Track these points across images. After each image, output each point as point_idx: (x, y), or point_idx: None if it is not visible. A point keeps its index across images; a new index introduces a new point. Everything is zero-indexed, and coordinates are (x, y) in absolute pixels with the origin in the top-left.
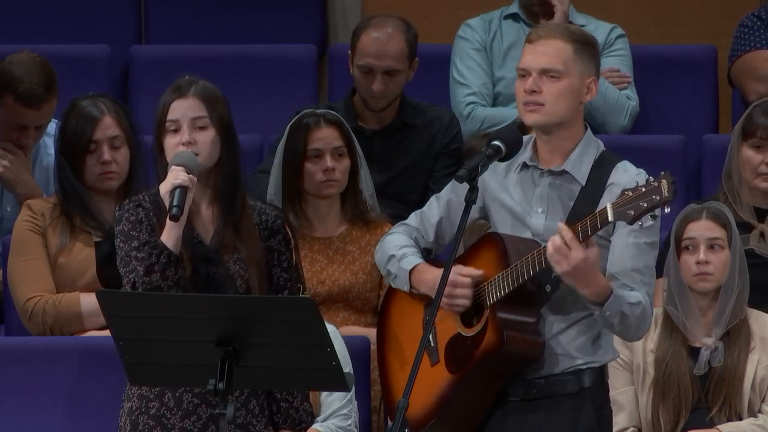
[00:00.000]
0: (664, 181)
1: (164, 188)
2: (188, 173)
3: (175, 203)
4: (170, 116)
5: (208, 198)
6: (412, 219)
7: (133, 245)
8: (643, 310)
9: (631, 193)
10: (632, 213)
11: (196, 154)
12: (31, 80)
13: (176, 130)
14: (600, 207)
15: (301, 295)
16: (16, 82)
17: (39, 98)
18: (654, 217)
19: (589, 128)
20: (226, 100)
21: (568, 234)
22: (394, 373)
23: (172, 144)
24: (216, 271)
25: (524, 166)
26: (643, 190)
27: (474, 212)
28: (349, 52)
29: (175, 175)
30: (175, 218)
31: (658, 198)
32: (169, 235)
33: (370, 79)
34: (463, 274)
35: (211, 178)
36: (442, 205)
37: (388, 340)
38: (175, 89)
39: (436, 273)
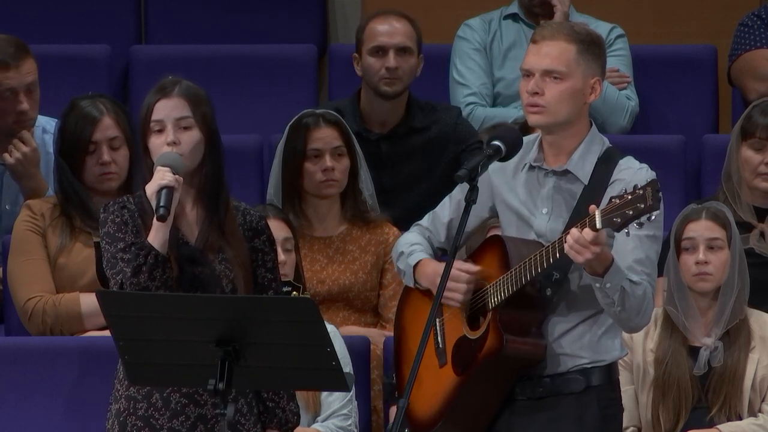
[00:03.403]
0: (648, 189)
1: (150, 189)
2: (174, 174)
3: (162, 204)
4: (155, 116)
5: (192, 198)
6: (425, 220)
7: (119, 247)
8: (645, 292)
9: (618, 201)
10: (618, 221)
11: (181, 155)
12: None
13: (161, 131)
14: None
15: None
16: None
17: (12, 56)
18: (640, 225)
19: (594, 125)
20: (210, 100)
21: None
22: (405, 374)
23: (157, 144)
24: (201, 271)
25: (530, 166)
26: (629, 198)
27: (485, 212)
28: (355, 54)
29: (161, 176)
30: (162, 219)
31: (642, 206)
32: (156, 236)
33: (383, 59)
34: (460, 269)
35: (196, 178)
36: (453, 205)
37: (403, 341)
38: (159, 89)
39: (436, 266)
